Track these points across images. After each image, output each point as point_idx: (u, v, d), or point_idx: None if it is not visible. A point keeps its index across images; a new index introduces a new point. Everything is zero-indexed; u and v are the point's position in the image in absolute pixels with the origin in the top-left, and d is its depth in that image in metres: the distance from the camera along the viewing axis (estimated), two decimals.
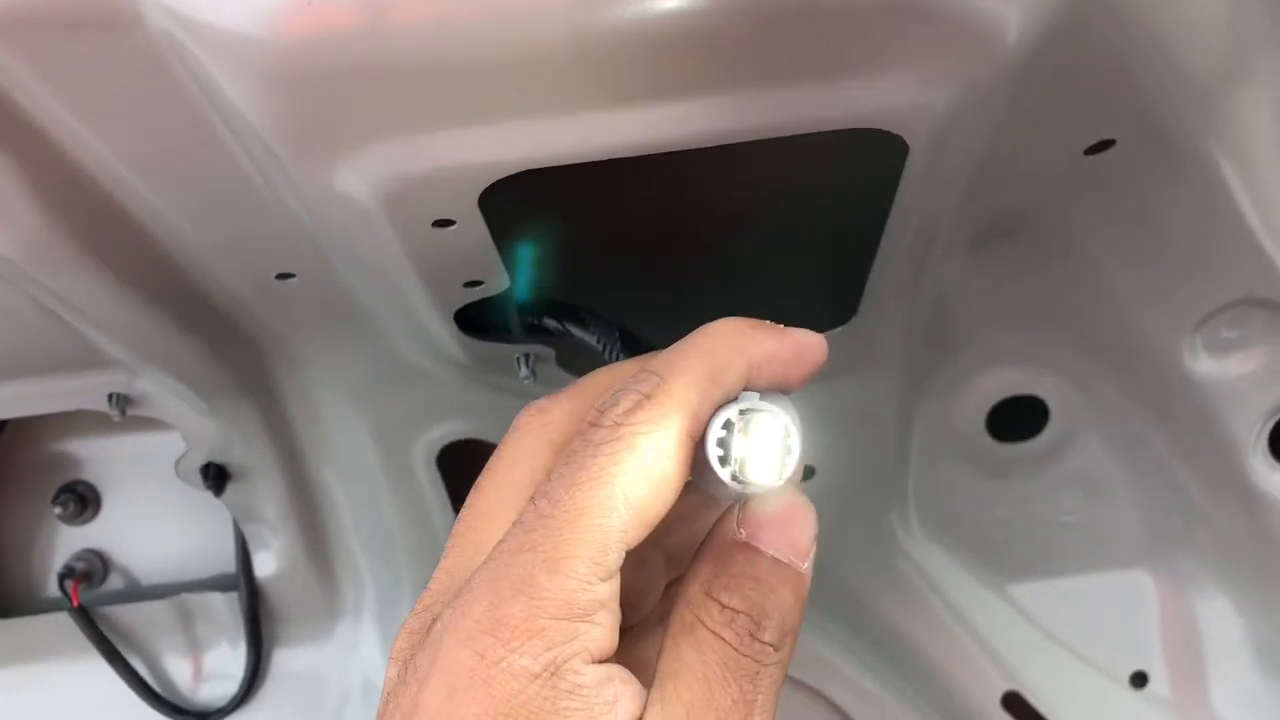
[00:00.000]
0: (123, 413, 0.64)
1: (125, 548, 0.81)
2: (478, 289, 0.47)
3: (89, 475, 0.80)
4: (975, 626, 0.72)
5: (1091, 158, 0.47)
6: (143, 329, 0.53)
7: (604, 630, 0.31)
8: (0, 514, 0.79)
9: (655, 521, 0.32)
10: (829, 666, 0.74)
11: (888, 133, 0.38)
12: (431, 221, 0.41)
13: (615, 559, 0.31)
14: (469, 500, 0.37)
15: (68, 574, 0.78)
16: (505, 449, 0.37)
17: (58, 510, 0.78)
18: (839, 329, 0.55)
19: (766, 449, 0.32)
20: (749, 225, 0.49)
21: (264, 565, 0.75)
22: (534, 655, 0.30)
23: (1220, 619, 0.68)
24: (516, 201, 0.42)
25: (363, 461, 0.70)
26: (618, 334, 0.48)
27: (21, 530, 0.80)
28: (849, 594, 0.72)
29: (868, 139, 0.38)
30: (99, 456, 0.80)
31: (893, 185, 0.42)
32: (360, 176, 0.38)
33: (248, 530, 0.74)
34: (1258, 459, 0.58)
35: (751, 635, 0.32)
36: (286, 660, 0.79)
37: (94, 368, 0.61)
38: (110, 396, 0.64)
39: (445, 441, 0.69)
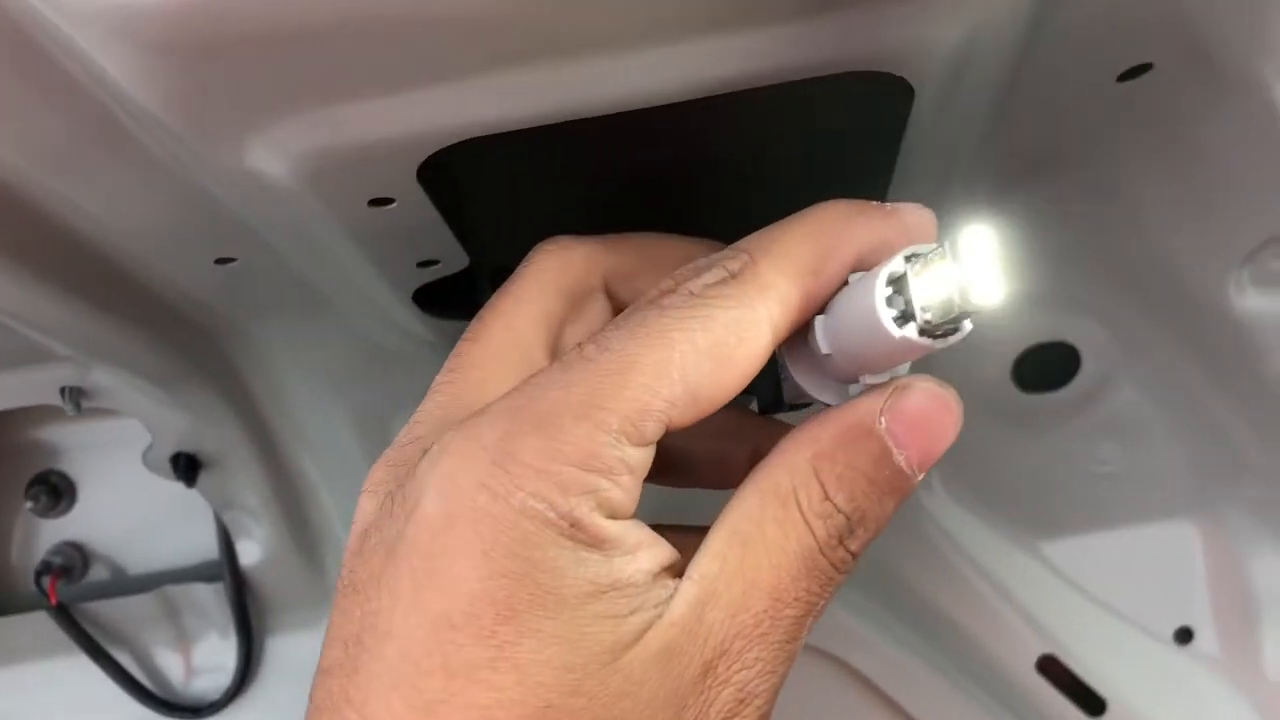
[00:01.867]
0: (77, 407, 0.60)
1: (104, 539, 0.76)
2: (433, 268, 0.42)
3: (62, 465, 0.75)
4: (1006, 588, 0.67)
5: (1125, 84, 0.42)
6: (78, 324, 0.48)
7: (625, 495, 0.27)
8: None
9: (708, 409, 0.28)
10: (852, 634, 0.69)
11: (890, 75, 0.32)
12: (367, 200, 0.35)
13: (653, 429, 0.28)
14: (467, 336, 0.34)
15: (45, 570, 0.74)
16: (515, 284, 0.34)
17: (30, 504, 0.74)
18: None
19: (979, 266, 0.26)
20: (733, 182, 0.43)
21: (248, 553, 0.71)
22: (547, 499, 0.26)
23: (1272, 572, 0.63)
24: (465, 171, 0.36)
25: (341, 446, 0.65)
26: None
27: None
28: (871, 559, 0.67)
29: (866, 83, 0.32)
30: (71, 444, 0.75)
31: (898, 132, 0.37)
32: (276, 154, 0.33)
33: (228, 518, 0.69)
34: None
35: (840, 540, 0.29)
36: (279, 648, 0.75)
37: (40, 361, 0.56)
38: (63, 390, 0.59)
39: None
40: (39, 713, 0.75)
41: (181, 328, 0.53)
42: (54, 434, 0.75)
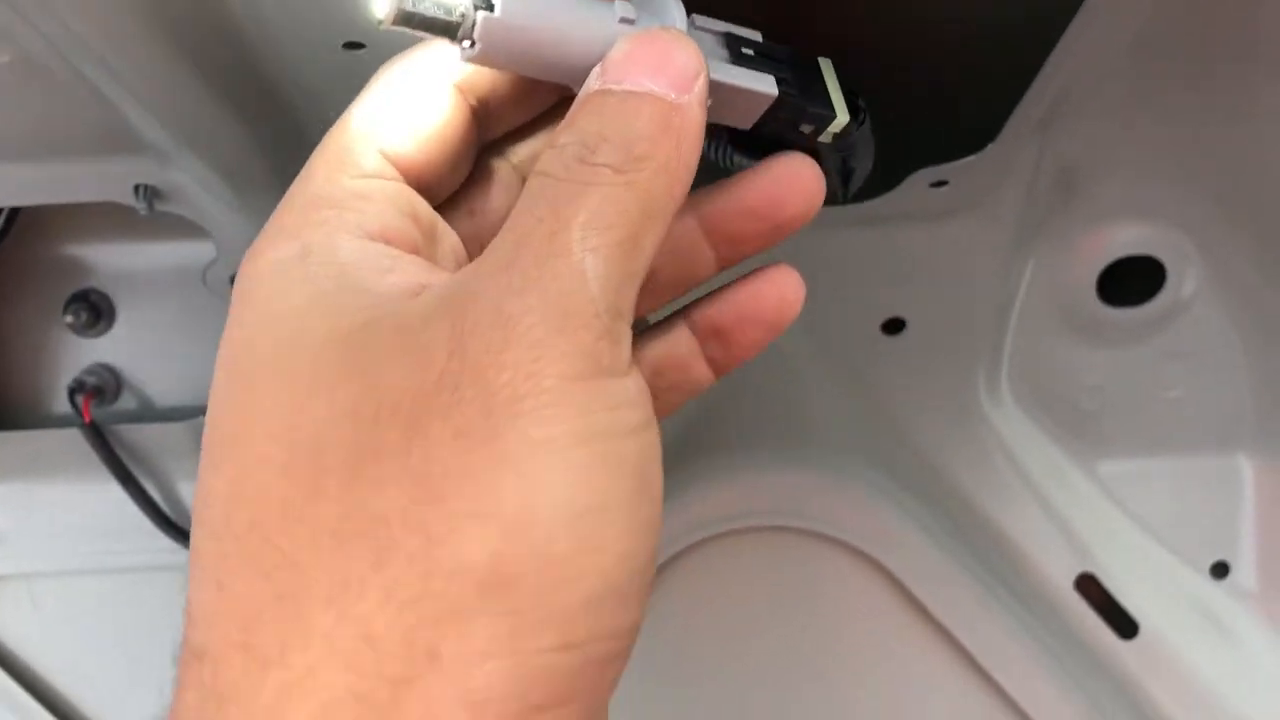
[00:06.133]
0: (150, 207, 0.58)
1: (139, 365, 0.75)
2: None
3: (103, 285, 0.74)
4: (1054, 503, 0.67)
5: None
6: (190, 105, 0.47)
7: (366, 216, 0.28)
8: (8, 318, 0.73)
9: (429, 138, 0.30)
10: (889, 534, 0.69)
11: None
12: None
13: (368, 161, 0.30)
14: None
15: (78, 388, 0.72)
16: None
17: (69, 318, 0.72)
18: (970, 158, 0.49)
19: None
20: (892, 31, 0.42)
21: None
22: (284, 246, 0.28)
23: None
24: None
25: None
26: None
27: (30, 337, 0.74)
28: (921, 458, 0.67)
29: None
30: (114, 265, 0.73)
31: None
32: None
33: None
34: None
35: (580, 160, 0.27)
36: None
37: (124, 152, 0.54)
38: (137, 188, 0.57)
39: None
40: (60, 530, 0.73)
41: (280, 125, 0.52)
42: (98, 252, 0.73)
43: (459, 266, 0.31)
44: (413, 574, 0.24)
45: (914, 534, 0.69)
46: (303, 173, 0.30)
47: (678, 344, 0.34)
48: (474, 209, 0.33)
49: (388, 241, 0.29)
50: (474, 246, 0.32)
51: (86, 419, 0.71)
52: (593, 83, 0.28)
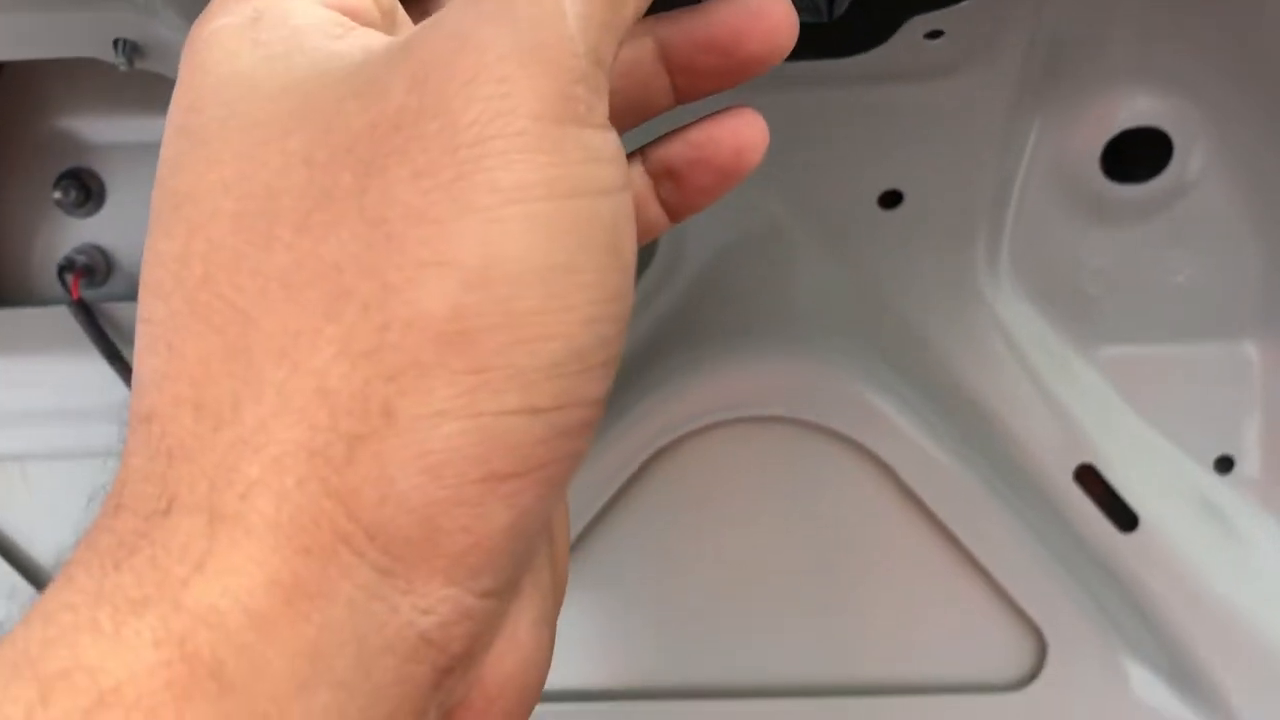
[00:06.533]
0: (130, 62, 0.57)
1: (130, 247, 0.74)
2: None
3: (93, 163, 0.73)
4: (1053, 390, 0.65)
5: None
6: None
7: None
8: None
9: None
10: (880, 420, 0.67)
11: None
12: None
13: None
14: None
15: (68, 266, 0.72)
16: None
17: (58, 195, 0.71)
18: (967, 1, 0.47)
19: None
20: None
21: None
22: (235, 9, 0.26)
23: None
24: None
25: None
26: None
27: (19, 215, 0.73)
28: (917, 344, 0.65)
29: None
30: (105, 143, 0.72)
31: None
32: None
33: None
34: None
35: None
36: None
37: (104, 3, 0.53)
38: (117, 43, 0.56)
39: None
40: (47, 408, 0.73)
41: None
42: (89, 128, 0.72)
43: None
44: (368, 325, 0.23)
45: (909, 423, 0.67)
46: None
47: (631, 181, 0.33)
48: (438, 3, 0.31)
49: (346, 12, 0.27)
50: None
51: (75, 296, 0.70)
52: None
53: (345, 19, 0.27)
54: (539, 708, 0.27)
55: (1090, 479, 0.66)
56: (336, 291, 0.23)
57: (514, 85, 0.23)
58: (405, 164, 0.23)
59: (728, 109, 0.32)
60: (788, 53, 0.30)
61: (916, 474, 0.68)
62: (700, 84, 0.32)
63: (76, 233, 0.73)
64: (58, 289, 0.71)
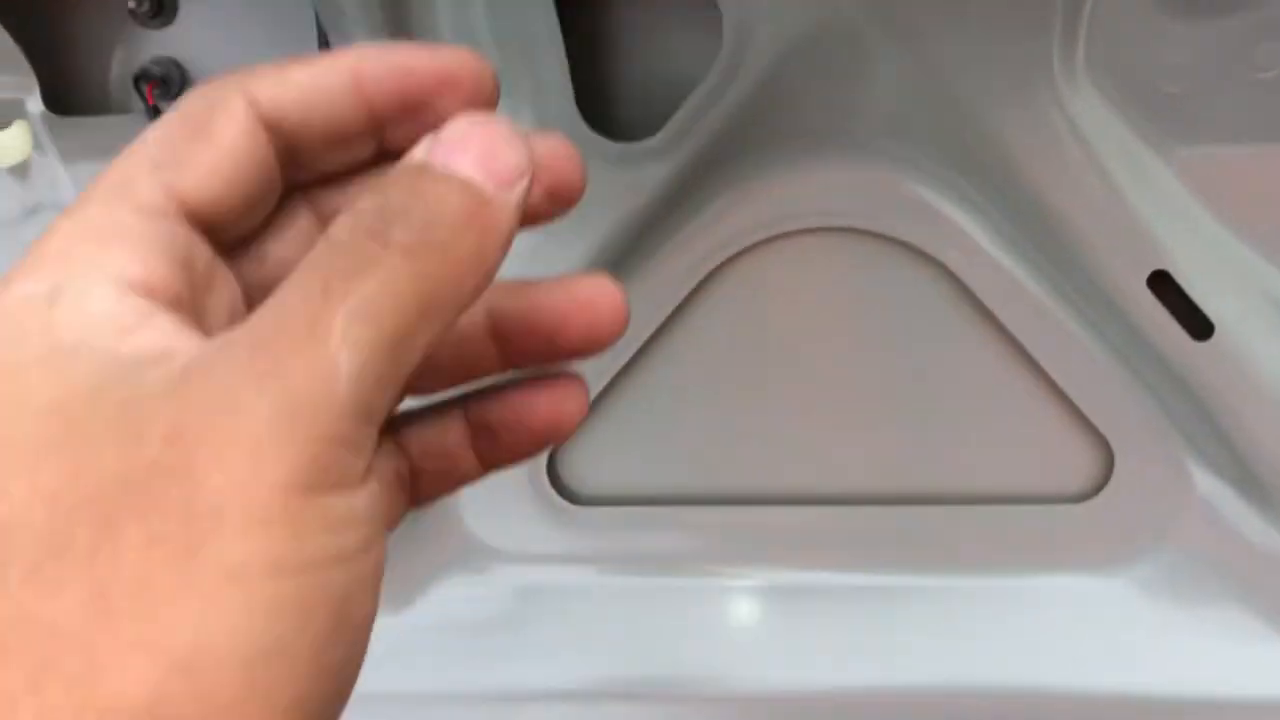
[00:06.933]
0: None
1: (203, 61, 0.75)
2: None
3: None
4: (1128, 193, 0.64)
5: None
6: None
7: (131, 259, 0.26)
8: (73, 6, 0.73)
9: (222, 175, 0.27)
10: (948, 226, 0.66)
11: None
12: None
13: (149, 195, 0.26)
14: None
15: (143, 76, 0.73)
16: None
17: (132, 4, 0.72)
18: None
19: None
20: None
21: None
22: (37, 280, 0.25)
23: None
24: None
25: None
26: None
27: (93, 25, 0.74)
28: (984, 140, 0.64)
29: None
30: None
31: None
32: None
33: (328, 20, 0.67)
34: None
35: (372, 233, 0.25)
36: None
37: None
38: None
39: None
40: None
41: None
42: None
43: (232, 322, 0.28)
44: (68, 705, 0.22)
45: (978, 231, 0.66)
46: (82, 195, 0.27)
47: (447, 432, 0.32)
48: (265, 256, 0.30)
49: (150, 291, 0.26)
50: (259, 295, 0.28)
51: (150, 102, 0.71)
52: (419, 153, 0.26)
53: (143, 304, 0.26)
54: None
55: (1164, 286, 0.65)
56: (45, 660, 0.22)
57: (264, 454, 0.23)
58: (143, 529, 0.22)
59: (549, 373, 0.32)
60: (612, 343, 0.31)
61: (985, 283, 0.67)
62: (525, 360, 0.32)
63: (151, 45, 0.74)
64: (134, 99, 0.72)
